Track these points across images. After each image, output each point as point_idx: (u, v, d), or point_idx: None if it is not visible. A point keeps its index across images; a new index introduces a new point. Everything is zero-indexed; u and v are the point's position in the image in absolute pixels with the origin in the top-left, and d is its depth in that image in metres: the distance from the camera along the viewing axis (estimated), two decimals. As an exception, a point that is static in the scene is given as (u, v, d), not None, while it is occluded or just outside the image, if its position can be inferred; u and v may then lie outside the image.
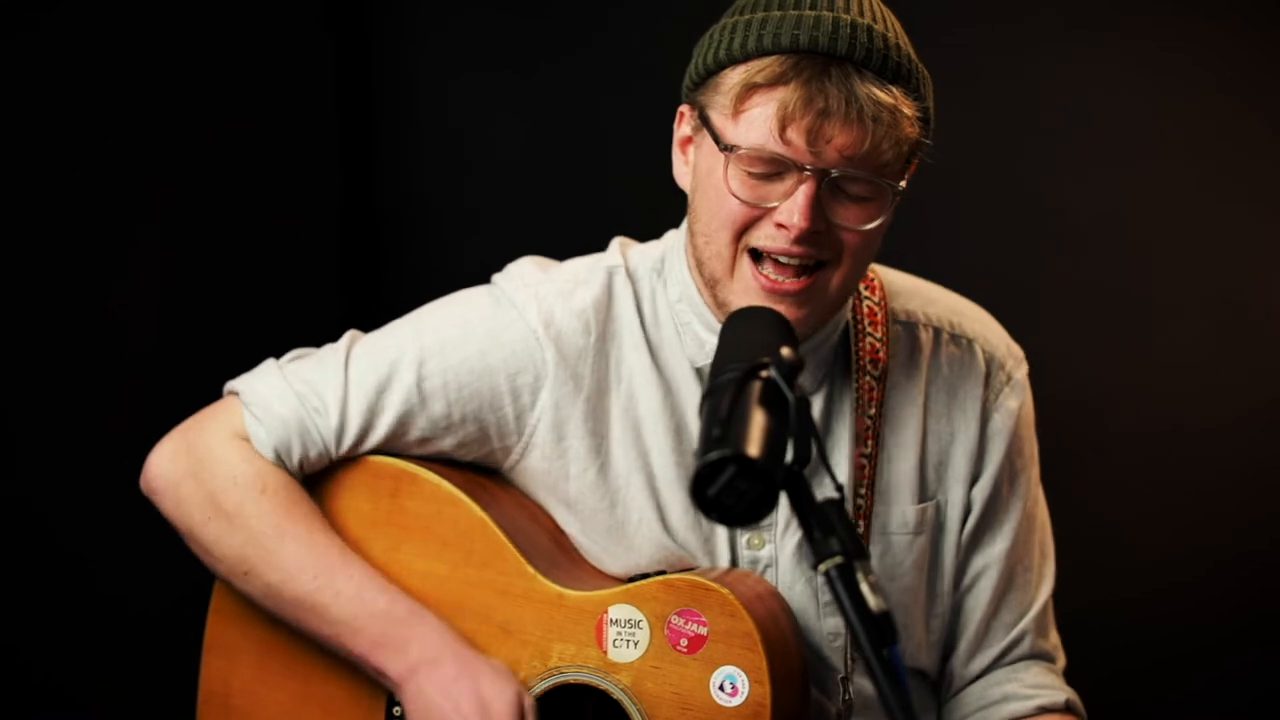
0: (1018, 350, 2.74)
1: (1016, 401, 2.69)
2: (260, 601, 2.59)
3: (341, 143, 4.25)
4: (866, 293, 2.67)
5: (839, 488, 2.04)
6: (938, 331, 2.70)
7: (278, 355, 2.70)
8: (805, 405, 1.96)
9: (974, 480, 2.66)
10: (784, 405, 1.96)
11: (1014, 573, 2.69)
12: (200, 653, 2.72)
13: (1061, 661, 2.75)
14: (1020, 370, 2.72)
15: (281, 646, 2.65)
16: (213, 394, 2.71)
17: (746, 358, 2.02)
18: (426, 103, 4.27)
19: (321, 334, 3.07)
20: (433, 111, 4.27)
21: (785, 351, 2.00)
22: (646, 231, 2.79)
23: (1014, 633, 2.69)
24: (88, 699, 3.56)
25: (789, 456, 1.92)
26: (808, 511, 1.92)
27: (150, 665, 3.42)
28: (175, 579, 2.85)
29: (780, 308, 2.41)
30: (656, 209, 3.92)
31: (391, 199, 4.31)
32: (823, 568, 1.89)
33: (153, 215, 3.74)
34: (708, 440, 1.90)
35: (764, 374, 1.98)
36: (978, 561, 2.68)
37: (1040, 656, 2.72)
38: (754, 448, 1.87)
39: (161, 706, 3.02)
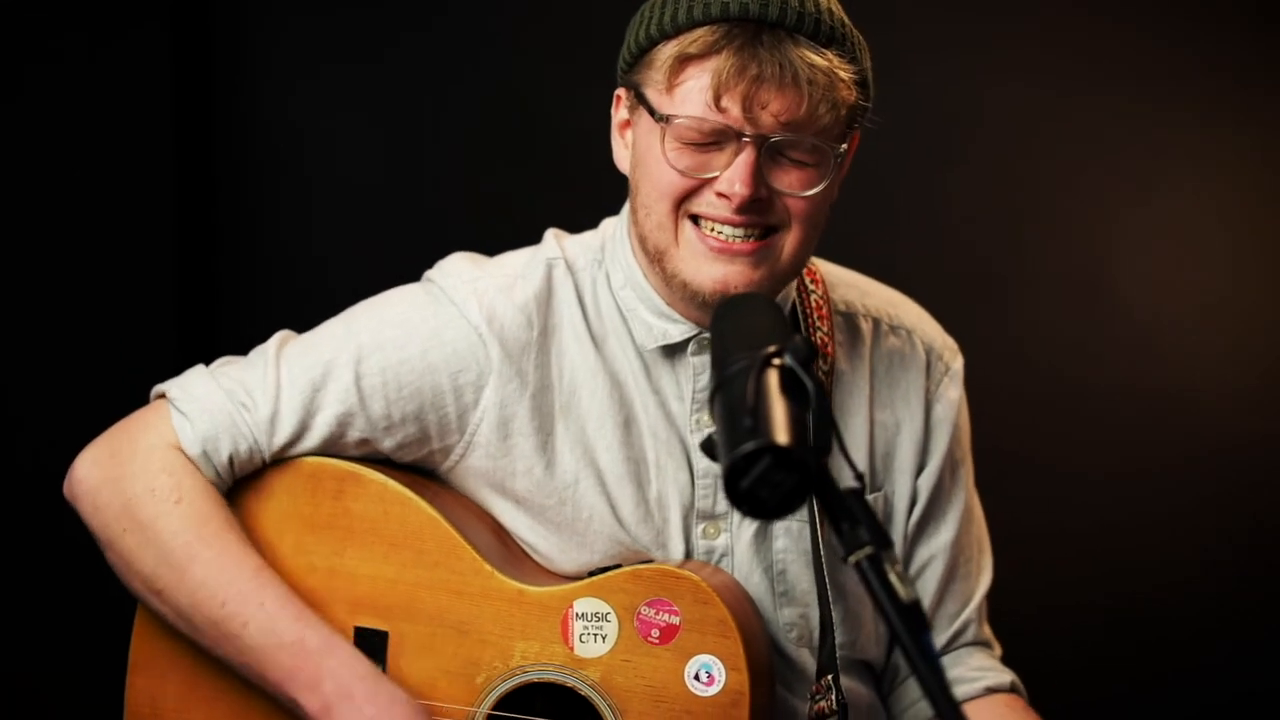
0: (952, 342, 2.75)
1: (956, 392, 2.71)
2: (173, 623, 2.48)
3: (176, 141, 4.04)
4: (812, 286, 2.65)
5: (859, 477, 2.02)
6: (877, 322, 2.69)
7: (114, 363, 2.58)
8: (825, 393, 1.92)
9: (919, 471, 2.67)
10: (801, 393, 1.92)
11: (957, 563, 2.70)
12: (125, 672, 2.58)
13: (999, 650, 2.78)
14: (957, 361, 2.73)
15: (211, 666, 2.51)
16: (41, 407, 2.56)
17: (752, 346, 1.97)
18: (267, 98, 4.12)
19: (157, 345, 2.97)
20: (273, 108, 4.12)
21: (798, 338, 1.96)
22: (509, 221, 2.76)
23: (958, 622, 2.71)
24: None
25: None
26: (833, 502, 1.89)
27: (72, 686, 3.25)
28: (97, 593, 2.70)
29: (733, 269, 2.40)
30: (511, 196, 3.90)
31: (229, 204, 4.14)
32: (853, 559, 1.85)
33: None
34: (738, 431, 1.85)
35: (778, 362, 1.94)
36: (923, 552, 2.69)
37: (982, 644, 2.75)
38: (788, 437, 1.83)
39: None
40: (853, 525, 1.87)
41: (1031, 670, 2.78)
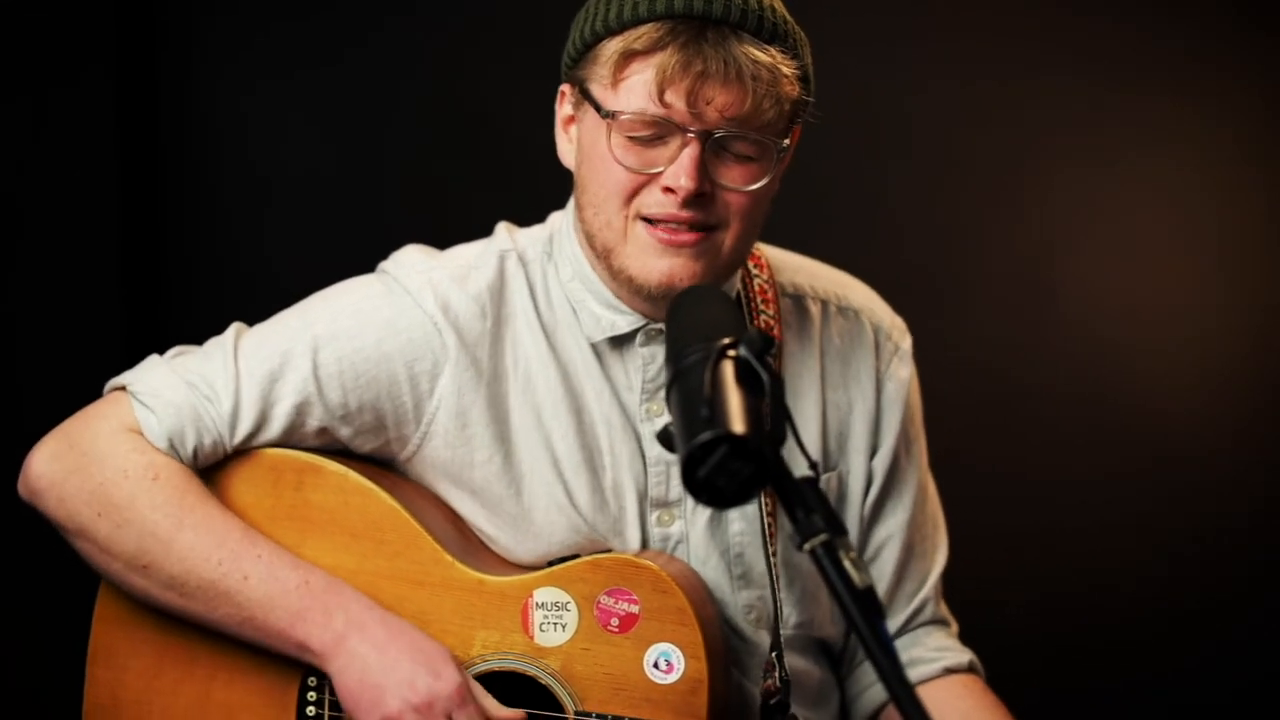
0: (900, 322, 2.79)
1: (907, 371, 2.75)
2: (162, 596, 2.49)
3: (120, 138, 4.02)
4: (756, 270, 2.68)
5: (813, 465, 2.05)
6: (825, 303, 2.73)
7: (59, 363, 2.59)
8: (780, 384, 1.95)
9: (874, 451, 2.70)
10: (756, 384, 1.95)
11: (914, 542, 2.74)
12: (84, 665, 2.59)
13: (956, 627, 2.82)
14: (906, 340, 2.77)
15: (176, 651, 2.55)
16: None
17: (708, 338, 2.00)
18: (213, 93, 4.11)
19: (102, 343, 2.96)
20: (221, 102, 4.12)
21: (752, 330, 1.99)
22: (460, 215, 2.82)
23: (916, 601, 2.75)
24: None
25: (764, 435, 1.92)
26: (789, 490, 1.92)
27: (30, 680, 3.25)
28: (55, 587, 2.71)
29: (678, 261, 2.44)
30: (462, 190, 3.92)
31: (175, 199, 4.13)
32: (808, 546, 1.88)
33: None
34: (695, 421, 1.88)
35: (733, 353, 1.97)
36: (880, 532, 2.72)
37: (940, 622, 2.79)
38: (744, 426, 1.86)
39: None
40: (808, 513, 1.90)
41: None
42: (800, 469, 1.96)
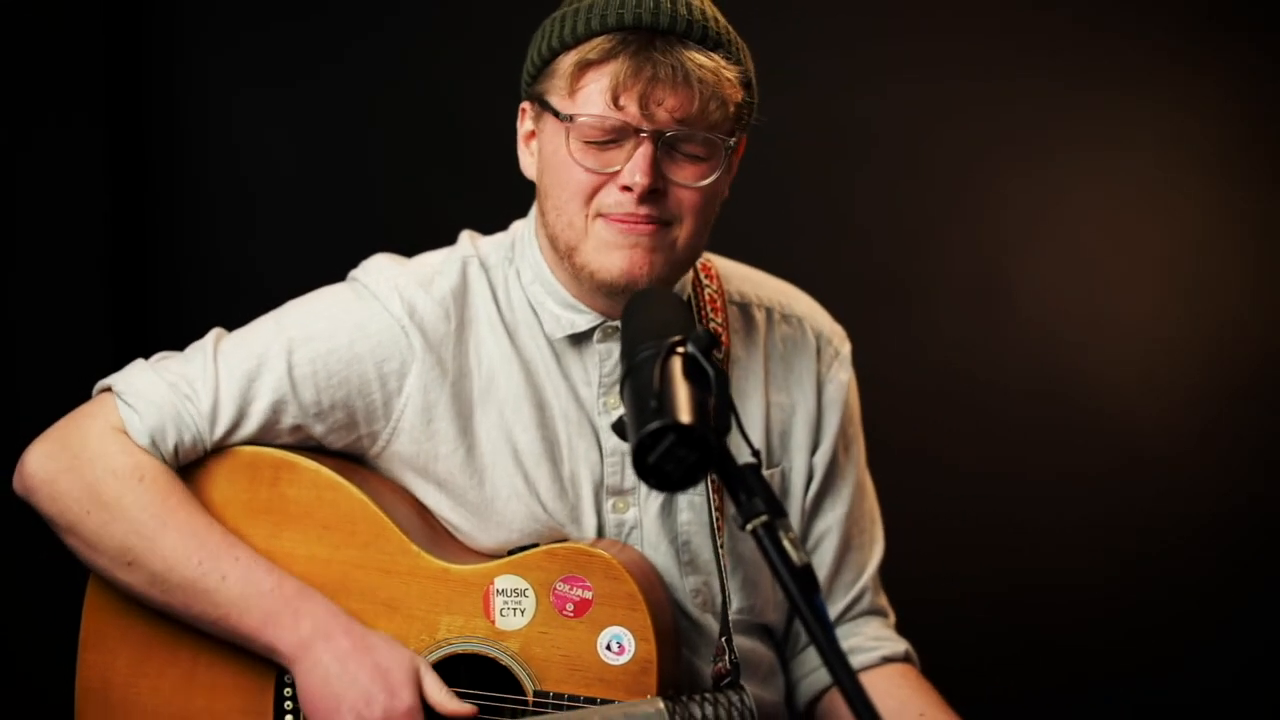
0: (840, 329, 2.96)
1: (846, 374, 2.92)
2: (144, 591, 2.63)
3: (109, 150, 4.12)
4: (706, 280, 2.85)
5: (755, 453, 2.22)
6: (770, 311, 2.90)
7: (50, 369, 2.72)
8: (724, 378, 2.12)
9: (814, 448, 2.87)
10: (703, 378, 2.12)
11: (851, 535, 2.91)
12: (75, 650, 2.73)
13: (893, 617, 2.98)
14: (845, 346, 2.94)
15: (162, 637, 2.68)
16: None
17: (659, 336, 2.17)
18: (200, 107, 4.23)
19: (91, 349, 3.06)
20: (207, 116, 4.23)
21: (699, 329, 2.16)
22: (427, 224, 2.97)
23: (854, 590, 2.91)
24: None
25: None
26: (733, 476, 2.08)
27: (25, 665, 3.38)
28: (48, 577, 2.84)
29: (636, 253, 2.60)
30: (429, 201, 4.04)
31: (163, 210, 4.23)
32: (750, 526, 2.03)
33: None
34: (644, 412, 2.04)
35: (681, 350, 2.14)
36: (819, 525, 2.89)
37: (877, 612, 2.96)
38: (690, 416, 2.02)
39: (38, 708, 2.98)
40: (749, 496, 2.06)
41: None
42: (744, 458, 2.12)
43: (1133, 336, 4.12)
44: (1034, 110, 4.10)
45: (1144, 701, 4.08)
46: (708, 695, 2.56)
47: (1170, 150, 4.09)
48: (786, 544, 2.03)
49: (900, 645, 2.92)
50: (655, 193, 2.58)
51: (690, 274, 2.81)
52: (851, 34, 4.14)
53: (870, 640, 2.90)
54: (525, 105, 2.72)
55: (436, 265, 2.79)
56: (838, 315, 2.99)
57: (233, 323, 2.79)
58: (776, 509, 2.04)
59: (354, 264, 2.82)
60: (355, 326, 2.70)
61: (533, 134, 2.71)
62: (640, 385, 2.10)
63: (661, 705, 2.51)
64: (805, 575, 2.03)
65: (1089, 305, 4.12)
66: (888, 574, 2.99)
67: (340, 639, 2.58)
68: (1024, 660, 4.12)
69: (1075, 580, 4.12)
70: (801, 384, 2.88)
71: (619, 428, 2.16)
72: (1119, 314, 4.13)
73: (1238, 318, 4.07)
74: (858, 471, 2.94)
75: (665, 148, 2.58)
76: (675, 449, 2.01)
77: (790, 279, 3.02)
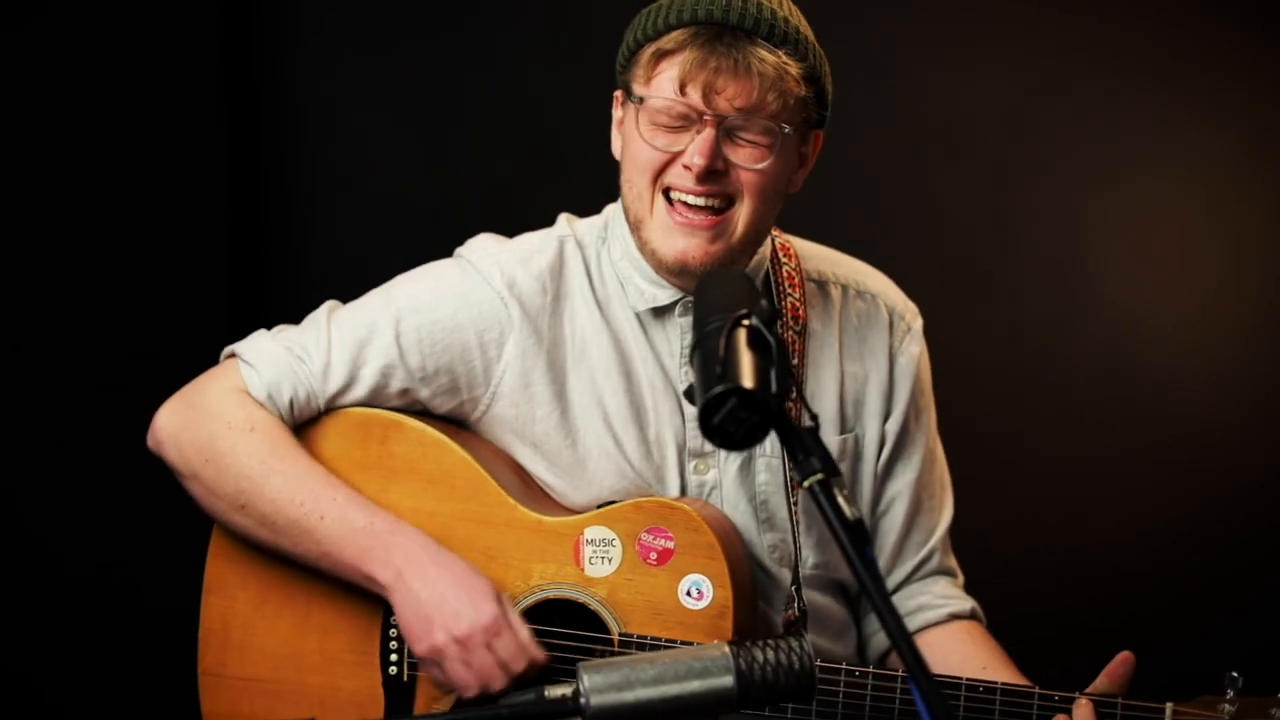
0: (913, 305, 3.13)
1: (918, 348, 3.09)
2: (257, 533, 2.87)
3: (229, 157, 4.32)
4: (785, 258, 3.04)
5: (814, 417, 2.40)
6: (845, 288, 3.08)
7: (165, 353, 2.98)
8: (785, 347, 2.31)
9: (886, 416, 3.05)
10: (765, 348, 2.31)
11: (921, 498, 3.08)
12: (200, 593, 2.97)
13: (962, 578, 3.14)
14: (917, 322, 3.11)
15: (279, 580, 2.92)
16: (95, 400, 3.20)
17: (726, 309, 2.36)
18: (311, 108, 4.42)
19: (209, 328, 3.32)
20: (318, 117, 4.43)
21: (763, 303, 2.35)
22: (527, 208, 3.16)
23: (924, 551, 3.09)
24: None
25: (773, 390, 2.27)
26: (791, 436, 2.27)
27: (155, 605, 3.68)
28: (174, 530, 3.12)
29: (693, 242, 2.82)
30: (528, 187, 4.22)
31: (276, 205, 4.45)
32: (807, 483, 2.17)
33: (31, 214, 3.91)
34: (711, 376, 2.22)
35: (746, 322, 2.33)
36: (891, 489, 3.07)
37: (946, 572, 3.12)
38: (751, 381, 2.22)
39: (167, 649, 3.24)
40: (807, 455, 2.23)
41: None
42: (806, 421, 2.31)
43: (1191, 323, 4.25)
44: (1100, 110, 4.22)
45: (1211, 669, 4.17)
46: (769, 641, 2.75)
47: (1241, 145, 4.20)
48: (840, 499, 2.17)
49: (967, 603, 3.08)
50: (715, 173, 2.79)
51: (768, 253, 2.99)
52: (931, 38, 4.29)
53: (938, 598, 3.07)
54: (617, 93, 2.93)
55: (535, 244, 3.01)
56: (922, 298, 3.15)
57: (340, 298, 3.02)
58: (831, 467, 2.18)
59: (451, 245, 3.04)
60: (458, 298, 2.92)
61: (622, 121, 2.92)
62: (707, 353, 2.28)
63: (727, 649, 2.70)
64: (857, 528, 2.16)
65: (1162, 292, 4.26)
66: (962, 545, 3.14)
67: (429, 567, 2.79)
68: (1096, 629, 4.15)
69: (1142, 557, 4.25)
70: (875, 355, 3.05)
71: (688, 392, 2.35)
72: (1177, 299, 4.26)
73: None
74: (928, 439, 3.10)
75: (726, 133, 2.78)
76: (737, 411, 2.19)
77: (877, 263, 3.18)
